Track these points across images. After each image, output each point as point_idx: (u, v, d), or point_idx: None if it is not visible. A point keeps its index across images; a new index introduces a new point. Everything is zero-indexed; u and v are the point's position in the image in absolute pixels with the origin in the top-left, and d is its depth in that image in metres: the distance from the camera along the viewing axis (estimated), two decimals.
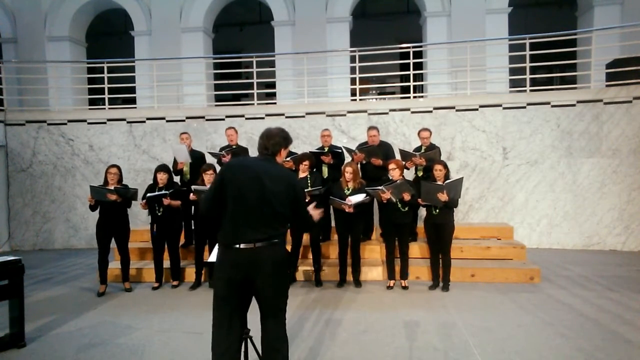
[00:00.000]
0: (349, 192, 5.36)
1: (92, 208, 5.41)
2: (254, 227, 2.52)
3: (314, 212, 2.90)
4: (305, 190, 5.32)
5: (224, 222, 2.58)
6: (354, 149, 6.07)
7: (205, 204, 2.69)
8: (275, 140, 2.69)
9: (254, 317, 2.69)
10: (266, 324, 2.65)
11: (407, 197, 5.11)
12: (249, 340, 2.73)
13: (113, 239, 5.55)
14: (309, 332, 4.10)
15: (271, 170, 2.61)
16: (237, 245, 2.51)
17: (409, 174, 6.64)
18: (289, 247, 5.58)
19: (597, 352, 3.58)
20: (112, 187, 5.35)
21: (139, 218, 8.24)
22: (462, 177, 5.36)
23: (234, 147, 6.30)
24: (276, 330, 2.65)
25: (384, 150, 6.16)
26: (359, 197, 5.22)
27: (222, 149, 6.52)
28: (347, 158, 6.19)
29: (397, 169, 5.24)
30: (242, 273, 2.51)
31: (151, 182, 5.88)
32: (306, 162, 5.57)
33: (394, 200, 5.14)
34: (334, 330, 4.14)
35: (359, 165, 5.99)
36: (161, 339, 4.06)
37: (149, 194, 5.45)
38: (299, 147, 7.58)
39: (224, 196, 2.56)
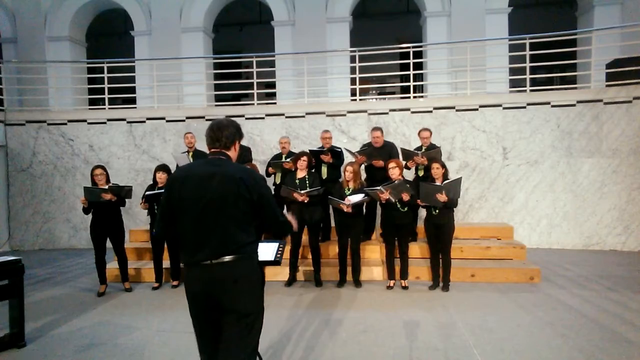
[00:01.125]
0: (349, 192, 5.36)
1: (86, 210, 5.38)
2: (209, 241, 2.18)
3: (291, 219, 2.50)
4: (304, 191, 5.33)
5: (180, 241, 2.28)
6: (354, 151, 6.06)
7: (157, 225, 2.36)
8: (229, 131, 2.32)
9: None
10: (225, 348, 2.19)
11: (405, 197, 5.11)
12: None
13: (109, 239, 5.53)
14: (308, 332, 4.10)
15: (220, 171, 2.22)
16: (197, 262, 2.19)
17: (409, 174, 6.64)
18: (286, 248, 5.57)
19: (597, 352, 3.58)
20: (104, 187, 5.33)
21: (139, 218, 8.25)
22: (461, 177, 5.36)
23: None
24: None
25: (388, 150, 6.15)
26: (358, 197, 5.22)
27: None
28: (347, 158, 6.19)
29: (397, 168, 5.24)
30: (200, 289, 2.20)
31: (151, 182, 5.87)
32: (304, 158, 5.55)
33: (393, 200, 5.14)
34: (334, 330, 4.14)
35: (361, 167, 5.99)
36: (161, 339, 4.06)
37: (147, 193, 5.45)
38: (299, 147, 7.58)
39: (174, 214, 2.25)
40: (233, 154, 2.37)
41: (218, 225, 2.18)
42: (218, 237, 2.18)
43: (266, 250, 2.61)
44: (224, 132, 2.31)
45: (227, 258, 2.17)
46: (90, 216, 5.46)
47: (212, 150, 2.33)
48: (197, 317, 2.26)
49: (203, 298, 2.20)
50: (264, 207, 2.28)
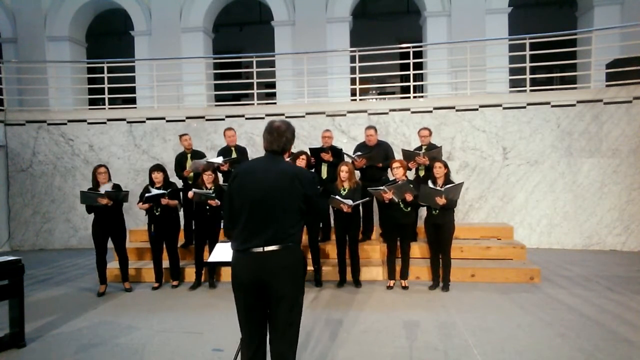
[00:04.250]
0: (344, 192, 5.36)
1: (89, 209, 5.39)
2: (263, 231, 2.42)
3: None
4: None
5: (236, 231, 2.51)
6: (353, 155, 6.05)
7: (225, 219, 2.66)
8: (287, 137, 2.57)
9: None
10: (272, 342, 2.50)
11: (409, 197, 5.11)
12: None
13: (110, 239, 5.53)
14: (308, 332, 4.10)
15: (275, 169, 2.51)
16: (247, 250, 2.43)
17: (410, 174, 6.63)
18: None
19: (597, 352, 3.58)
20: (103, 190, 5.31)
21: (139, 218, 8.24)
22: (462, 183, 5.35)
23: (233, 158, 6.24)
24: (281, 350, 2.48)
25: (384, 150, 6.16)
26: (360, 200, 5.24)
27: (220, 152, 6.50)
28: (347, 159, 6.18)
29: (401, 168, 5.24)
30: (251, 276, 2.42)
31: (148, 183, 5.83)
32: (303, 157, 5.55)
33: (396, 200, 5.14)
34: (334, 330, 4.14)
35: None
36: (161, 339, 4.06)
37: (147, 195, 5.44)
38: (299, 147, 7.55)
39: (237, 206, 2.50)
40: (286, 156, 2.67)
41: (272, 216, 2.42)
42: (271, 227, 2.41)
43: None
44: (282, 139, 2.56)
45: (277, 247, 2.40)
46: (92, 216, 5.45)
47: (270, 150, 2.58)
48: (245, 303, 2.44)
49: (252, 284, 2.41)
50: (314, 199, 2.54)
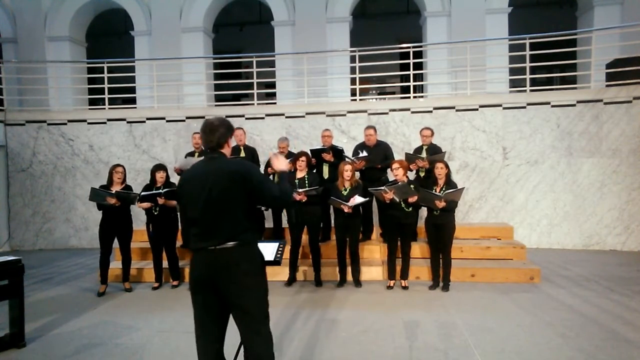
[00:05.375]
0: (346, 191, 5.37)
1: (99, 207, 5.42)
2: (215, 230, 2.42)
3: (279, 161, 2.67)
4: (302, 190, 5.33)
5: (192, 234, 2.52)
6: (353, 157, 6.05)
7: (182, 225, 2.69)
8: (220, 132, 2.53)
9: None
10: (245, 344, 2.48)
11: (412, 199, 5.13)
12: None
13: (116, 239, 5.55)
14: (308, 332, 4.10)
15: (214, 168, 2.48)
16: (201, 249, 2.44)
17: (411, 175, 6.63)
18: (286, 249, 5.58)
19: (597, 352, 3.58)
20: (115, 189, 5.35)
21: (140, 219, 8.23)
22: (463, 188, 5.33)
23: (239, 155, 6.27)
24: (258, 352, 2.44)
25: (383, 150, 6.16)
26: (360, 199, 5.24)
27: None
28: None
29: (401, 169, 5.25)
30: (206, 274, 2.42)
31: (148, 182, 5.84)
32: (303, 159, 5.55)
33: (397, 200, 5.15)
34: (334, 330, 4.14)
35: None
36: (161, 339, 4.06)
37: (143, 193, 5.46)
38: (299, 147, 7.58)
39: (189, 213, 2.52)
40: (227, 150, 2.60)
41: (220, 216, 2.43)
42: (221, 226, 2.42)
43: (266, 251, 2.63)
44: (216, 134, 2.53)
45: (229, 244, 2.41)
46: (96, 216, 5.53)
47: (208, 149, 2.59)
48: (199, 299, 2.45)
49: (206, 280, 2.42)
50: (259, 189, 2.48)
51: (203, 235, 2.45)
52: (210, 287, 2.41)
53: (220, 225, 2.42)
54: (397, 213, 5.28)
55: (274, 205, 2.67)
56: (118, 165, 5.60)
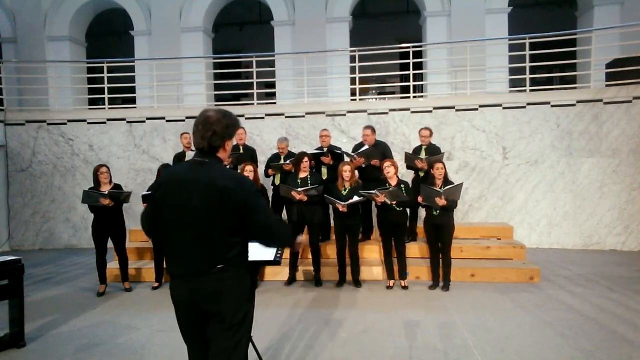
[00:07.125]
0: (345, 192, 5.37)
1: (92, 209, 5.39)
2: (195, 253, 2.04)
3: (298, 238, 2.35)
4: (302, 189, 5.33)
5: (166, 249, 2.16)
6: (352, 153, 6.05)
7: (145, 225, 2.23)
8: (215, 130, 2.03)
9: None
10: None
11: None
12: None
13: (110, 239, 5.53)
14: (308, 332, 4.10)
15: (204, 179, 2.01)
16: (180, 275, 2.09)
17: (410, 175, 6.64)
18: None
19: (597, 352, 3.58)
20: (105, 190, 5.31)
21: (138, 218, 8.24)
22: (462, 183, 5.36)
23: (239, 153, 6.26)
24: None
25: (381, 150, 6.17)
26: (355, 198, 5.26)
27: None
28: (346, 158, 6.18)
29: (392, 167, 5.31)
30: (186, 300, 2.09)
31: (152, 181, 5.85)
32: (306, 160, 5.56)
33: (389, 202, 5.18)
34: (334, 330, 4.14)
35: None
36: (161, 339, 4.07)
37: (143, 193, 5.46)
38: (299, 147, 7.58)
39: (164, 219, 2.10)
40: (223, 154, 2.11)
41: (202, 236, 2.02)
42: (202, 249, 2.03)
43: (266, 250, 2.60)
44: (209, 132, 2.03)
45: (213, 270, 2.02)
46: (92, 215, 5.45)
47: (199, 149, 2.09)
48: (184, 326, 2.17)
49: (189, 308, 2.10)
50: (252, 215, 2.04)
51: (181, 260, 2.09)
52: (193, 309, 2.10)
53: (202, 248, 2.03)
54: (388, 213, 5.30)
55: (264, 236, 2.14)
56: (102, 165, 5.50)
